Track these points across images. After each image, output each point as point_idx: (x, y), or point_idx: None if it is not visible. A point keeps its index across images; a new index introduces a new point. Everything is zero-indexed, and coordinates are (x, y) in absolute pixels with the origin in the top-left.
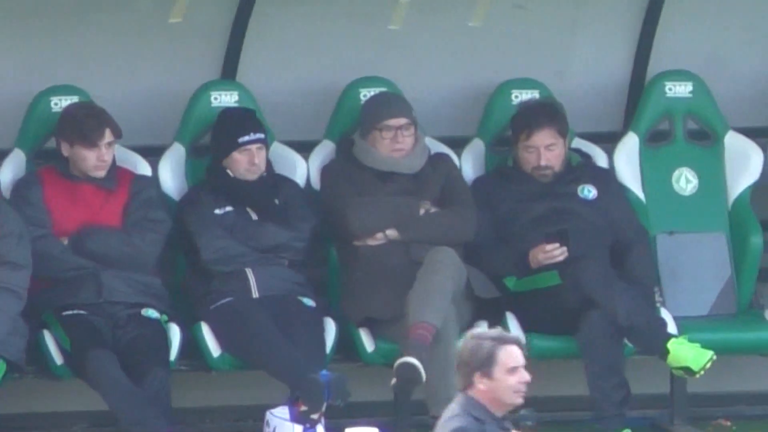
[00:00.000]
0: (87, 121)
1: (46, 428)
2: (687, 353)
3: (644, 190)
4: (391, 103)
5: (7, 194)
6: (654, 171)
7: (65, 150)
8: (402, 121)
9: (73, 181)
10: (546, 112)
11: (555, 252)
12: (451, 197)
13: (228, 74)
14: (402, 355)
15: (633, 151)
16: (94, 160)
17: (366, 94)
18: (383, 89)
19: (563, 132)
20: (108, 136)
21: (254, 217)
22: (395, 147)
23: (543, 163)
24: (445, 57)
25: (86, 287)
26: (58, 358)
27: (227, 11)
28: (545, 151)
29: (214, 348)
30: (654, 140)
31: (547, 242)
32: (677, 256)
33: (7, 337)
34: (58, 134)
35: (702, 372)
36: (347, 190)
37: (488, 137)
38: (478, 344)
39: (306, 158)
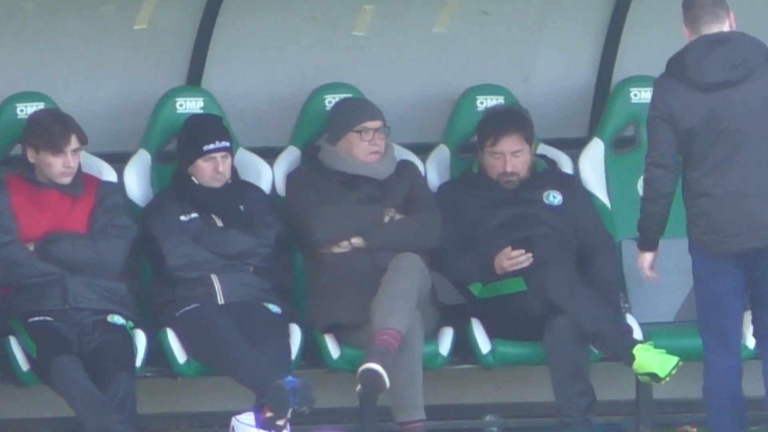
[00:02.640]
0: (53, 128)
1: None
2: (653, 359)
3: (609, 196)
4: (366, 105)
5: None
6: (619, 177)
7: (31, 156)
8: (378, 123)
9: (39, 187)
10: (512, 119)
11: (520, 258)
12: (415, 204)
13: (193, 81)
14: (366, 362)
15: (598, 157)
16: (60, 166)
17: (331, 100)
18: (348, 95)
19: (529, 138)
20: (74, 142)
21: (219, 223)
22: (373, 150)
23: (509, 169)
24: (410, 63)
25: (52, 293)
26: (23, 365)
27: (192, 18)
28: (511, 157)
29: (179, 354)
30: (619, 146)
31: (513, 249)
32: None
33: None
34: (24, 141)
35: (668, 378)
36: (312, 198)
37: (453, 143)
38: None
39: (271, 164)
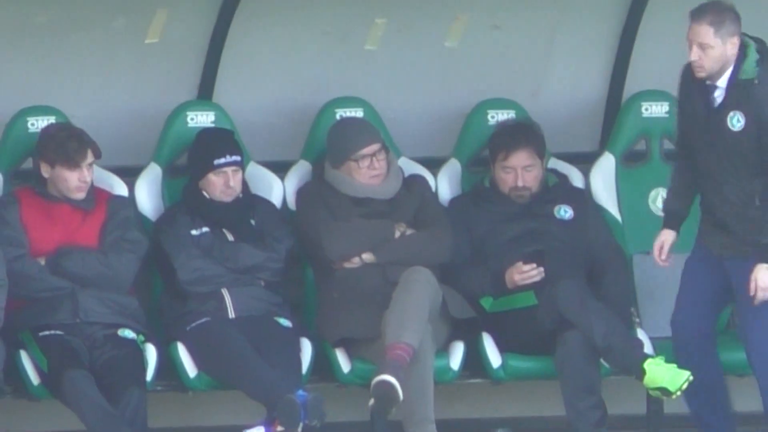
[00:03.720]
0: (69, 143)
1: None
2: (663, 374)
3: (621, 210)
4: (360, 131)
5: None
6: (630, 191)
7: (45, 171)
8: (375, 147)
9: (51, 201)
10: (524, 133)
11: (531, 273)
12: (425, 219)
13: (204, 94)
14: (379, 374)
15: (609, 172)
16: (76, 181)
17: (342, 114)
18: (359, 109)
19: (541, 153)
20: (89, 156)
21: (230, 237)
22: (373, 174)
23: (520, 183)
24: (422, 77)
25: (63, 307)
26: (35, 379)
27: (203, 31)
28: (523, 172)
29: (190, 368)
30: (630, 160)
31: (524, 263)
32: (654, 276)
33: None
34: (38, 155)
35: (678, 393)
36: (322, 214)
37: (464, 157)
38: None
39: (282, 178)
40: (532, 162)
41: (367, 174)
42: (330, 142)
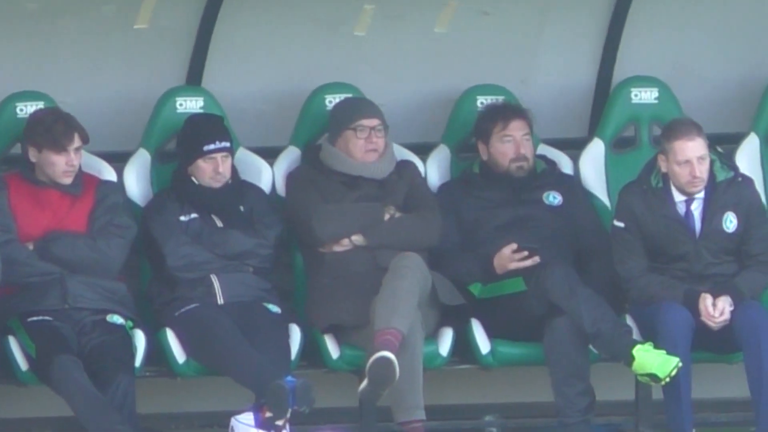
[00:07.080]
0: (56, 127)
1: None
2: (652, 360)
3: (610, 197)
4: (363, 104)
5: None
6: (619, 177)
7: (33, 155)
8: (375, 121)
9: (39, 186)
10: (515, 107)
11: (526, 262)
12: (415, 203)
13: (193, 80)
14: (376, 352)
15: (598, 158)
16: (63, 165)
17: (331, 100)
18: (348, 95)
19: (531, 128)
20: (77, 140)
21: (219, 224)
22: (369, 147)
23: (522, 151)
24: (411, 63)
25: (51, 293)
26: (23, 364)
27: (192, 17)
28: (522, 140)
29: (179, 354)
30: (619, 146)
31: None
32: None
33: None
34: (26, 140)
35: (667, 379)
36: (312, 197)
37: (453, 143)
38: None
39: (271, 164)
40: (528, 131)
41: (363, 147)
42: (332, 114)
